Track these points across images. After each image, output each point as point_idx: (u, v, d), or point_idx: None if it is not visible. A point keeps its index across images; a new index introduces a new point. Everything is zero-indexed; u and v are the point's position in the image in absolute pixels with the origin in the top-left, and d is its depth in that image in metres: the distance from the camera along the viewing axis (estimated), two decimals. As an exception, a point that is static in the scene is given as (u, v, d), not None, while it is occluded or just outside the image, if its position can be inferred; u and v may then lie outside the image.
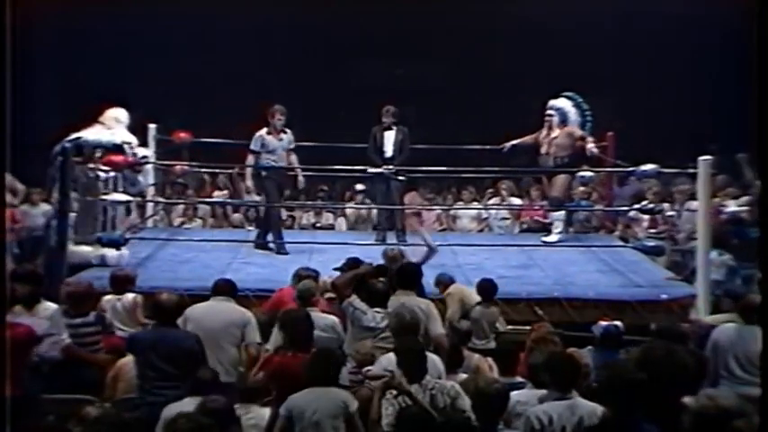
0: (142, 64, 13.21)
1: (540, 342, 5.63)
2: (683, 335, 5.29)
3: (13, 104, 3.91)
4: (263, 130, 8.78)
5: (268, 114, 8.79)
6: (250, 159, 8.79)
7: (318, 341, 5.20)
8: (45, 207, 9.07)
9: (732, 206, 8.29)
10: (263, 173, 8.73)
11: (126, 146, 8.26)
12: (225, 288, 5.86)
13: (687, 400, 3.90)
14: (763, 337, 3.99)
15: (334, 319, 5.77)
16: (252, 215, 11.18)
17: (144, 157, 8.70)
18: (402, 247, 7.37)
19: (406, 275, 6.04)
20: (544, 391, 4.41)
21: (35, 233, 8.79)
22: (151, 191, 9.75)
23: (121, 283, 6.47)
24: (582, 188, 9.93)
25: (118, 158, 8.26)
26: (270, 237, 8.91)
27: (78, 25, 12.89)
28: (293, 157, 8.93)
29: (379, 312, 5.59)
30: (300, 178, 9.07)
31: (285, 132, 8.83)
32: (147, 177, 9.17)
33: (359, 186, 10.87)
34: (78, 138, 8.05)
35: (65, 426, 4.03)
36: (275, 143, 8.76)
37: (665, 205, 9.19)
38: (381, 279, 5.94)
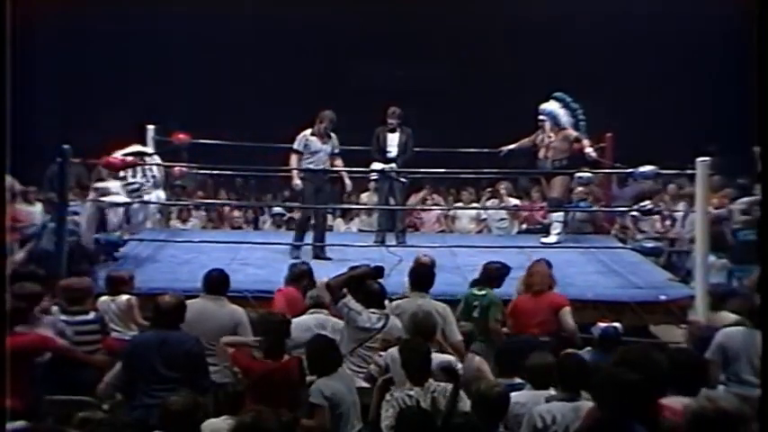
0: (141, 64, 13.22)
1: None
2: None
3: (12, 105, 3.91)
4: (308, 131, 8.67)
5: (318, 119, 8.68)
6: (293, 160, 8.68)
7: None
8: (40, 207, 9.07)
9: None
10: (302, 175, 8.63)
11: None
12: (216, 282, 5.83)
13: (686, 401, 3.90)
14: (763, 338, 3.98)
15: (340, 323, 5.72)
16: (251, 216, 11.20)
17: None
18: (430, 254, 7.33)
19: (420, 277, 6.03)
20: (548, 392, 4.41)
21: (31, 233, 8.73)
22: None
23: (116, 284, 6.45)
24: (580, 188, 9.93)
25: (115, 160, 8.31)
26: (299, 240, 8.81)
27: (78, 25, 12.90)
28: (338, 162, 8.79)
29: (374, 313, 5.56)
30: (347, 182, 8.97)
31: (330, 137, 8.70)
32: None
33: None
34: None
35: (63, 427, 4.01)
36: (319, 145, 8.63)
37: (663, 205, 9.21)
38: (378, 280, 5.92)
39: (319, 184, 8.65)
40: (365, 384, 5.19)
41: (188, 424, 4.06)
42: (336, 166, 8.78)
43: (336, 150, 8.74)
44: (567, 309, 6.31)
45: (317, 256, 8.41)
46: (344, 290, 5.65)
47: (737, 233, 8.05)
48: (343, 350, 5.40)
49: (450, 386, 4.55)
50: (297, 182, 8.65)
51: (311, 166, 8.59)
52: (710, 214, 8.14)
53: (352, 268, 6.03)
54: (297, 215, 9.38)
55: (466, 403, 4.46)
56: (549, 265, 7.08)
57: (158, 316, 5.13)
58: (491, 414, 4.20)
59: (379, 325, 5.51)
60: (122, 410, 4.88)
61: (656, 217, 9.41)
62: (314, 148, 8.61)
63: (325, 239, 8.72)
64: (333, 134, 8.71)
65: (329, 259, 8.34)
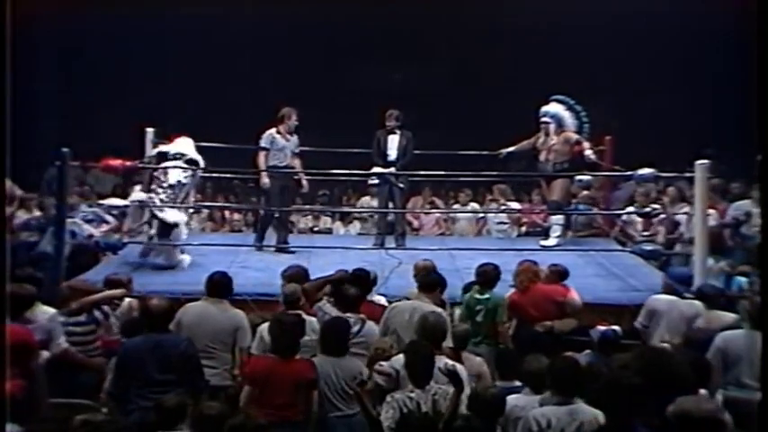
0: (140, 66, 13.22)
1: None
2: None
3: (13, 108, 3.92)
4: (273, 130, 8.91)
5: (285, 116, 8.92)
6: (261, 158, 8.89)
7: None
8: (37, 213, 9.03)
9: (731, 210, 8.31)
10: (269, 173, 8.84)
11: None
12: (219, 285, 5.86)
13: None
14: (764, 341, 3.98)
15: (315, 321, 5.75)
16: (251, 219, 11.17)
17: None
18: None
19: (427, 281, 6.06)
20: (545, 395, 4.41)
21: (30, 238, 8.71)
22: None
23: (115, 287, 6.45)
24: (585, 192, 9.93)
25: (116, 163, 8.31)
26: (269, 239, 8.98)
27: (77, 26, 12.91)
28: (297, 161, 9.03)
29: (350, 317, 5.55)
30: (304, 182, 9.16)
31: (292, 135, 8.96)
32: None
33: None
34: (162, 151, 8.41)
35: (62, 430, 4.01)
36: (284, 143, 8.91)
37: (658, 206, 9.21)
38: (354, 285, 5.88)
39: (284, 182, 8.93)
40: None
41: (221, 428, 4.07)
42: (296, 166, 9.01)
43: (297, 150, 9.00)
44: (570, 294, 6.67)
45: (281, 250, 8.73)
46: (321, 293, 5.65)
47: (755, 236, 8.04)
48: None
49: (452, 389, 4.54)
50: (265, 180, 8.85)
51: (276, 162, 8.85)
52: (725, 218, 8.20)
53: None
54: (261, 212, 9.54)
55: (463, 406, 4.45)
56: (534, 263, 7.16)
57: (150, 319, 5.14)
58: (487, 415, 4.19)
59: (355, 329, 5.49)
60: (119, 413, 4.89)
61: (640, 219, 9.41)
62: (279, 145, 8.89)
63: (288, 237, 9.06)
64: (294, 133, 8.97)
65: (293, 252, 8.63)
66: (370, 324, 5.63)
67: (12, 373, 4.31)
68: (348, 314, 5.56)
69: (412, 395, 4.50)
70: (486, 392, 4.29)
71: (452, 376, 4.48)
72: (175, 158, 8.37)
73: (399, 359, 4.90)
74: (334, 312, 5.55)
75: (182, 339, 5.17)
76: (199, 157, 8.52)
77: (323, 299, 5.66)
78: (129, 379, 4.99)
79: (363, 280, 6.10)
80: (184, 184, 8.31)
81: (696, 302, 6.35)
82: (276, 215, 9.04)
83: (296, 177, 9.08)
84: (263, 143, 8.89)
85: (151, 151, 8.84)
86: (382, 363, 4.96)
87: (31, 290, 5.48)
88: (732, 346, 5.28)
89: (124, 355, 5.13)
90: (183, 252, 8.34)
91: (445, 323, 5.32)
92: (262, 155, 8.89)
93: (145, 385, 4.88)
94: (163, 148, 8.56)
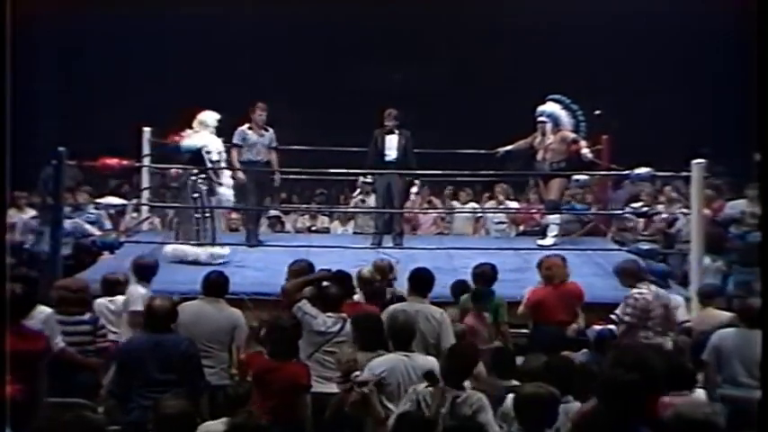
0: (141, 66, 13.24)
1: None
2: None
3: (13, 108, 3.92)
4: (245, 126, 8.99)
5: (250, 110, 9.00)
6: (233, 155, 8.92)
7: None
8: (31, 212, 9.02)
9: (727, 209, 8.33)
10: (243, 168, 8.87)
11: (204, 152, 8.25)
12: (215, 284, 5.86)
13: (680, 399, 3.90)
14: (763, 340, 3.98)
15: None
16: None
17: (216, 161, 8.42)
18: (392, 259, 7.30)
19: (419, 282, 5.98)
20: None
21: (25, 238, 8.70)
22: (146, 194, 9.75)
23: (112, 286, 6.45)
24: (566, 191, 9.91)
25: (112, 161, 8.30)
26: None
27: (76, 26, 12.93)
28: (273, 155, 9.08)
29: (330, 317, 5.52)
30: (276, 176, 9.22)
31: (267, 130, 9.02)
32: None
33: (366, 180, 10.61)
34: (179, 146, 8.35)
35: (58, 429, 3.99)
36: (256, 138, 8.97)
37: (659, 207, 9.20)
38: (334, 284, 5.82)
39: (259, 178, 8.99)
40: (328, 390, 5.13)
41: (185, 427, 4.03)
42: (271, 160, 9.06)
43: (273, 144, 9.04)
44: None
45: (249, 245, 8.83)
46: (300, 294, 5.64)
47: (746, 235, 8.04)
48: (302, 355, 5.34)
49: (476, 395, 4.44)
50: (239, 175, 8.79)
51: (250, 157, 8.90)
52: (719, 216, 8.21)
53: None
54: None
55: (488, 413, 4.34)
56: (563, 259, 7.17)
57: (152, 319, 5.12)
58: (540, 419, 4.08)
59: (336, 328, 5.46)
60: (119, 412, 4.88)
61: (641, 219, 9.41)
62: (251, 140, 8.95)
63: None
64: (270, 128, 9.03)
65: (258, 245, 8.80)
66: (350, 323, 5.52)
67: (19, 377, 4.30)
68: (329, 314, 5.53)
69: (430, 392, 4.42)
70: (540, 394, 4.06)
71: (429, 376, 4.45)
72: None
73: (375, 364, 4.82)
74: (314, 312, 5.53)
75: (183, 339, 5.15)
76: (204, 145, 8.26)
77: (302, 300, 5.61)
78: (129, 378, 4.98)
79: (345, 281, 6.05)
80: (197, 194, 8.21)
81: (675, 296, 6.37)
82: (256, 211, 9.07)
83: (271, 177, 9.14)
84: (235, 140, 8.95)
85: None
86: (357, 373, 4.85)
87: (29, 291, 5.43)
88: (727, 345, 5.28)
89: (125, 354, 5.12)
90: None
91: (415, 325, 5.26)
92: (233, 152, 8.92)
93: (145, 384, 4.86)
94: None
